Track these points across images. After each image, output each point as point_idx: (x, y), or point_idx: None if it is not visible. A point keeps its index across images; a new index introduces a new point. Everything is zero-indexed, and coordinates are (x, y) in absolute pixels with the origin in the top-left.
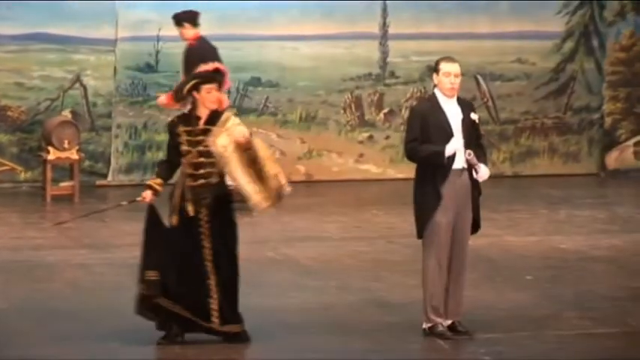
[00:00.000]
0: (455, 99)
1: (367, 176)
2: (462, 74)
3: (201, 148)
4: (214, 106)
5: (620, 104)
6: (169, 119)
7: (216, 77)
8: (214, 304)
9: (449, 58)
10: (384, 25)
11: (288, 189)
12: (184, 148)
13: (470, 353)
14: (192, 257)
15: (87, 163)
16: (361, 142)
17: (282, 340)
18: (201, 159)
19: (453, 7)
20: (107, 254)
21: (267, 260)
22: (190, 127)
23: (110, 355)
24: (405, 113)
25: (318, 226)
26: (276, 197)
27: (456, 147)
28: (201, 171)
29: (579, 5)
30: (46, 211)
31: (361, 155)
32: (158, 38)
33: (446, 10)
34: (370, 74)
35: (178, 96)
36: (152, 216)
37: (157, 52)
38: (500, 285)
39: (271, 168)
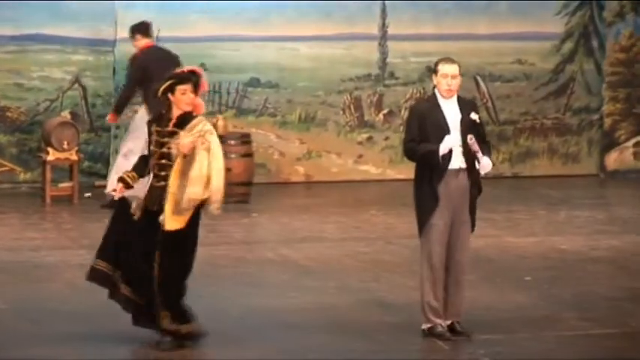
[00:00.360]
0: (455, 99)
1: (366, 177)
2: (462, 75)
3: (164, 150)
4: (189, 108)
5: (619, 105)
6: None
7: (191, 78)
8: (161, 304)
9: (447, 59)
10: (384, 26)
11: (217, 211)
12: (151, 147)
13: (469, 354)
14: (145, 256)
15: (86, 163)
16: (360, 143)
17: (282, 341)
18: (163, 161)
19: (452, 7)
20: None
21: (267, 261)
22: (160, 128)
23: (109, 355)
24: (405, 114)
25: (317, 226)
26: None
27: (450, 145)
28: (163, 173)
29: (579, 6)
30: (45, 212)
31: (360, 156)
32: (157, 39)
33: (445, 10)
34: (369, 75)
35: (119, 109)
36: (120, 208)
37: None
38: (500, 286)
39: (194, 192)
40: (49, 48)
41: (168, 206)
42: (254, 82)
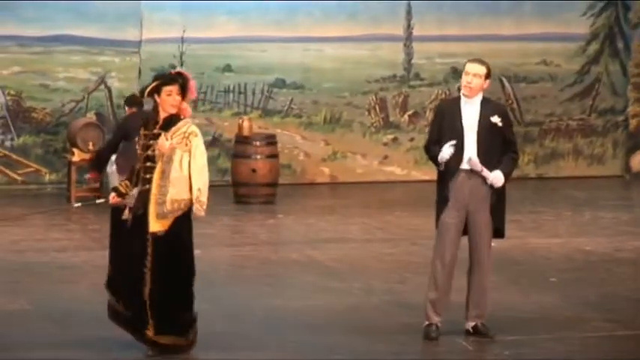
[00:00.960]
0: (477, 100)
1: (391, 178)
2: (490, 77)
3: (149, 152)
4: (174, 110)
5: None
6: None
7: (177, 79)
8: (149, 313)
9: (474, 60)
10: (409, 27)
11: (202, 213)
12: (138, 150)
13: (494, 355)
14: (136, 261)
15: None
16: (386, 144)
17: (306, 342)
18: (148, 164)
19: (477, 8)
20: None
21: (292, 262)
22: (147, 131)
23: (131, 357)
24: (430, 115)
25: (342, 227)
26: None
27: (450, 152)
28: (148, 176)
29: (604, 7)
30: (70, 213)
31: (385, 157)
32: (182, 40)
33: (470, 11)
34: (395, 76)
35: (97, 167)
36: (113, 219)
37: (182, 54)
38: (524, 287)
39: (175, 192)
40: (75, 49)
41: (151, 208)
42: (279, 83)
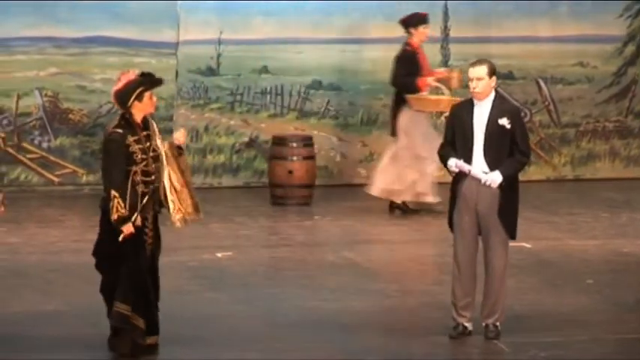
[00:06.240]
0: (489, 101)
1: None
2: (523, 78)
3: (152, 154)
4: (153, 111)
5: None
6: (110, 131)
7: (158, 82)
8: (153, 315)
9: (475, 62)
10: (446, 29)
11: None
12: (140, 157)
13: (529, 356)
14: (148, 268)
15: None
16: None
17: (342, 342)
18: (153, 166)
19: (513, 9)
20: (167, 257)
21: (328, 263)
22: (137, 136)
23: (163, 358)
24: None
25: (379, 229)
26: (192, 214)
27: (456, 167)
28: (153, 177)
29: None
30: None
31: None
32: (219, 41)
33: (506, 12)
34: None
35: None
36: (134, 239)
37: (219, 56)
38: (561, 288)
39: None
40: (111, 50)
41: (173, 207)
42: (316, 85)
